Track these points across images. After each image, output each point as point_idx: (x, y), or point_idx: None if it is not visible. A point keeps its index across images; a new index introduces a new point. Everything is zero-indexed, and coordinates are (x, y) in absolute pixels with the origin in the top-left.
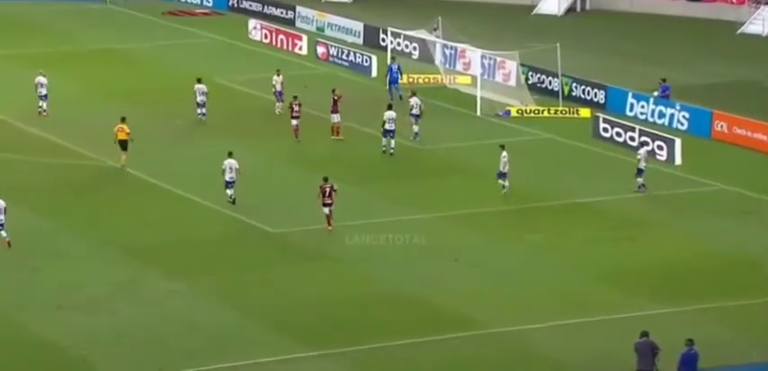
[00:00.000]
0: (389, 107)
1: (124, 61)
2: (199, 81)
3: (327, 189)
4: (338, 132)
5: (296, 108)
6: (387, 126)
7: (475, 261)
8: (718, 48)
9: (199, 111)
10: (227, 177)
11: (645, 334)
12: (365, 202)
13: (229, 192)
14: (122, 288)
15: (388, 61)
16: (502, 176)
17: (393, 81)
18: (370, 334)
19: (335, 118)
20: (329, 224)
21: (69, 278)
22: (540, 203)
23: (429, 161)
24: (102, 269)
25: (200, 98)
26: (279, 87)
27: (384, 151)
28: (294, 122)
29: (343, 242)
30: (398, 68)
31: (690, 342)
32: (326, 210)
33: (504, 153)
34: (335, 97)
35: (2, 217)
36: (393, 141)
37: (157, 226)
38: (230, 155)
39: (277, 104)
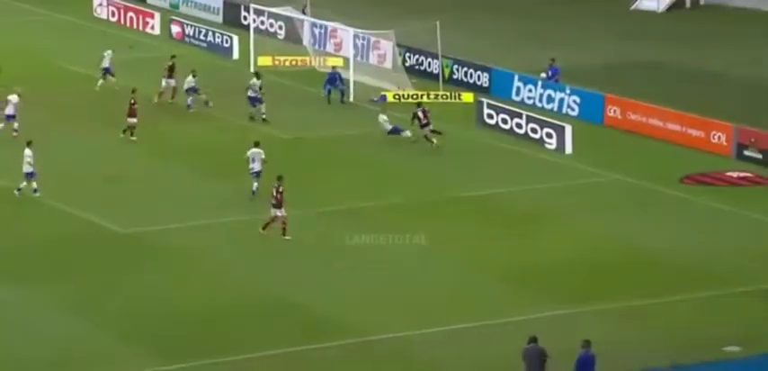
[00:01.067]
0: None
1: None
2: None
3: (275, 189)
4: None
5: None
6: (254, 167)
7: (352, 262)
8: (610, 25)
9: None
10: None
11: (533, 339)
12: (230, 198)
13: (255, 185)
14: None
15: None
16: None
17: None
18: (233, 344)
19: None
20: (284, 232)
21: None
22: (422, 197)
23: (300, 152)
24: None
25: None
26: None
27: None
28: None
29: (206, 243)
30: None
31: (586, 344)
32: (277, 212)
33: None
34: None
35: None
36: (256, 183)
37: None
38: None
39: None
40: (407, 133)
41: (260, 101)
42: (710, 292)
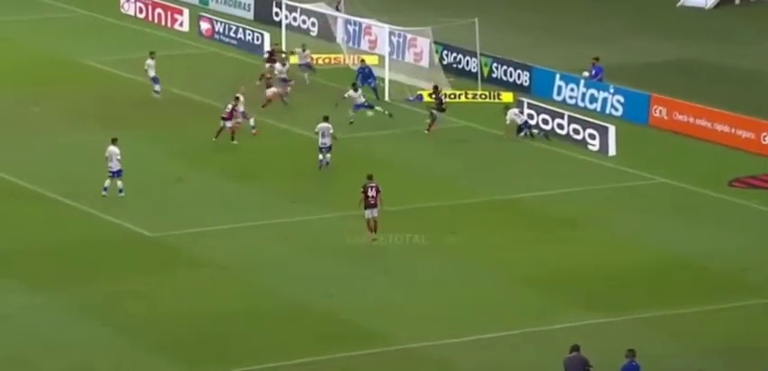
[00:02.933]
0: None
1: None
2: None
3: (371, 189)
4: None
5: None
6: (321, 141)
7: (384, 267)
8: (656, 22)
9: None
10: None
11: (575, 348)
12: (259, 200)
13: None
14: None
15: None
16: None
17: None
18: (261, 352)
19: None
20: (374, 232)
21: None
22: (457, 200)
23: (334, 153)
24: None
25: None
26: (153, 72)
27: (320, 167)
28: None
29: (234, 248)
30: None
31: (631, 353)
32: (368, 213)
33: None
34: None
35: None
36: (329, 155)
37: (13, 230)
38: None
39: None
40: (370, 114)
41: (286, 81)
42: (760, 300)
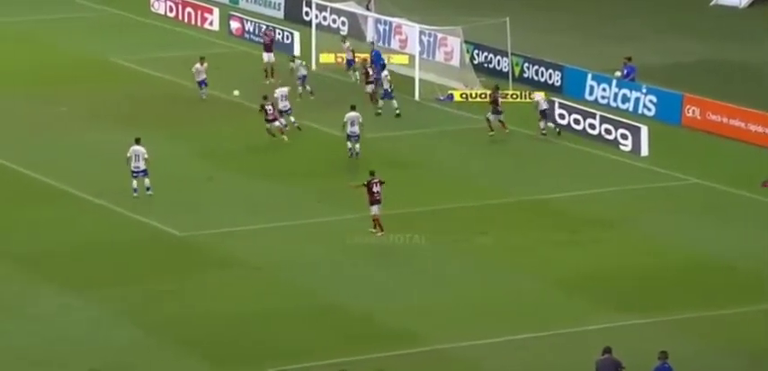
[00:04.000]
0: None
1: (1, 38)
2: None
3: (375, 184)
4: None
5: (371, 73)
6: (349, 129)
7: (415, 267)
8: (689, 21)
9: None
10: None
11: (607, 350)
12: (286, 200)
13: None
14: (6, 304)
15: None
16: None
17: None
18: (293, 352)
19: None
20: (380, 228)
21: None
22: (489, 200)
23: (362, 153)
24: None
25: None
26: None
27: (350, 156)
28: (369, 88)
29: (262, 248)
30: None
31: (663, 355)
32: (375, 209)
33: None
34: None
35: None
36: (358, 145)
37: (47, 231)
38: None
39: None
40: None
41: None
42: None
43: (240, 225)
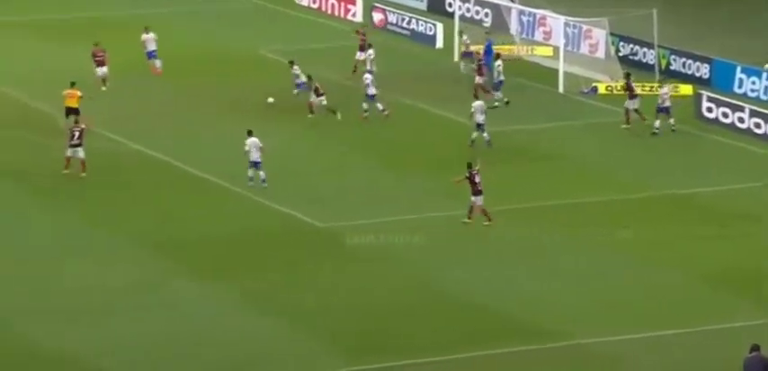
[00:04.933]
0: (476, 96)
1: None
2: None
3: (476, 175)
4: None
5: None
6: (477, 118)
7: (555, 260)
8: None
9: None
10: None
11: (756, 348)
12: (423, 193)
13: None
14: (145, 291)
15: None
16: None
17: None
18: (430, 346)
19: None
20: (487, 218)
21: (83, 278)
22: (632, 194)
23: (502, 145)
24: (122, 269)
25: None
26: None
27: (471, 145)
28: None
29: (400, 240)
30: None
31: (756, 347)
32: (478, 199)
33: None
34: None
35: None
36: (485, 134)
37: (186, 219)
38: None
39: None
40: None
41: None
42: None
43: (377, 217)
